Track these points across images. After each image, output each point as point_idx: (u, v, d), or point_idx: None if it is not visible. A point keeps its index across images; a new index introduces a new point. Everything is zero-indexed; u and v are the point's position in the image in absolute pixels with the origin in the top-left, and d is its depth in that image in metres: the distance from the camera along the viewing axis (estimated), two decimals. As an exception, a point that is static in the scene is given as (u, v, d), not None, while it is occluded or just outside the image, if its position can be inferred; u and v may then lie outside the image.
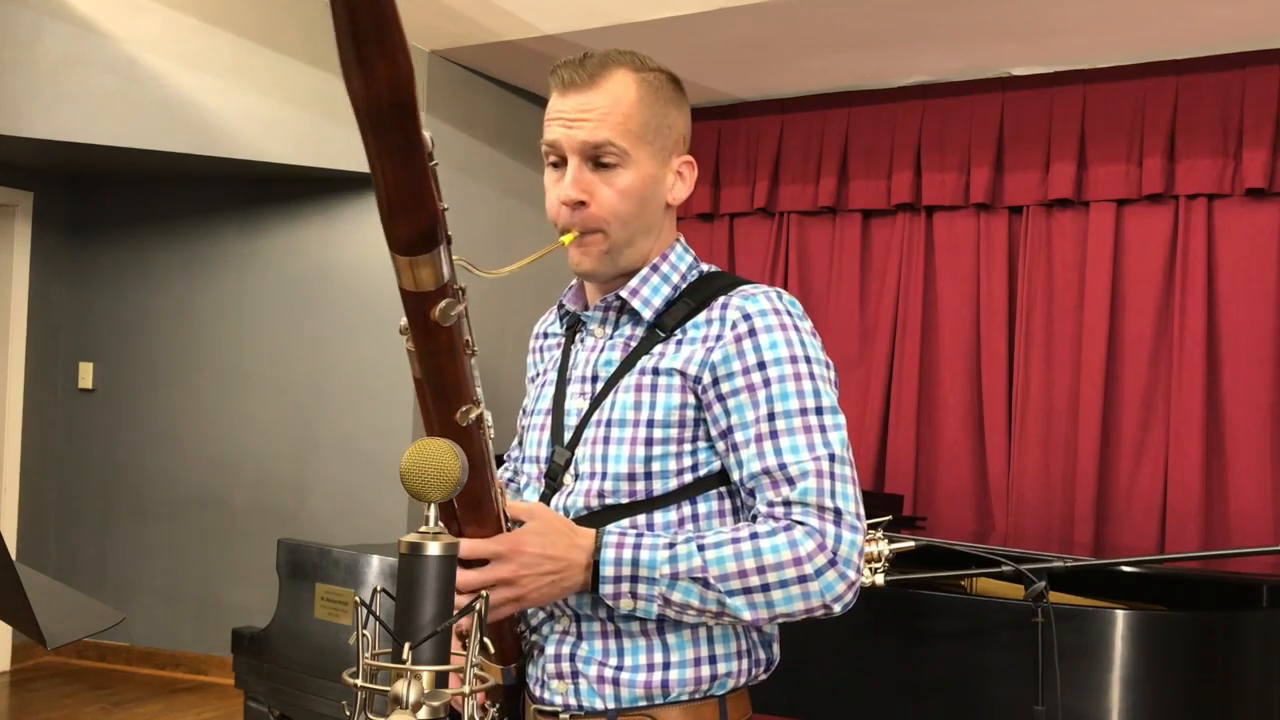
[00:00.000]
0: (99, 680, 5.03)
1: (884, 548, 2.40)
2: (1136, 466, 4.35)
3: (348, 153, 4.58)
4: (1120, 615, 2.53)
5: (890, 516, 2.51)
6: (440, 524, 1.06)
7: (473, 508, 1.24)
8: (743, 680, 1.38)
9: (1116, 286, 4.40)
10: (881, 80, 4.79)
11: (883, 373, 4.81)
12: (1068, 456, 4.46)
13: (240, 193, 5.00)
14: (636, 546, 1.27)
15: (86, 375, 5.37)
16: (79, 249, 5.39)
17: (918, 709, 2.66)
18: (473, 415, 1.18)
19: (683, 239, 1.48)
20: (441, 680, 1.02)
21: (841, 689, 2.74)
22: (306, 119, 4.46)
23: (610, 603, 1.28)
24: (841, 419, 1.32)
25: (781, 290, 1.37)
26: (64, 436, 5.41)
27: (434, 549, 1.02)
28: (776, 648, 1.43)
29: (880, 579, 2.38)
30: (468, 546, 1.26)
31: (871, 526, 2.43)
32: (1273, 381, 4.16)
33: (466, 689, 1.03)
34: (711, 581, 1.25)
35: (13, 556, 1.37)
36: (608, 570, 1.27)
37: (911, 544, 2.48)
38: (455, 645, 1.15)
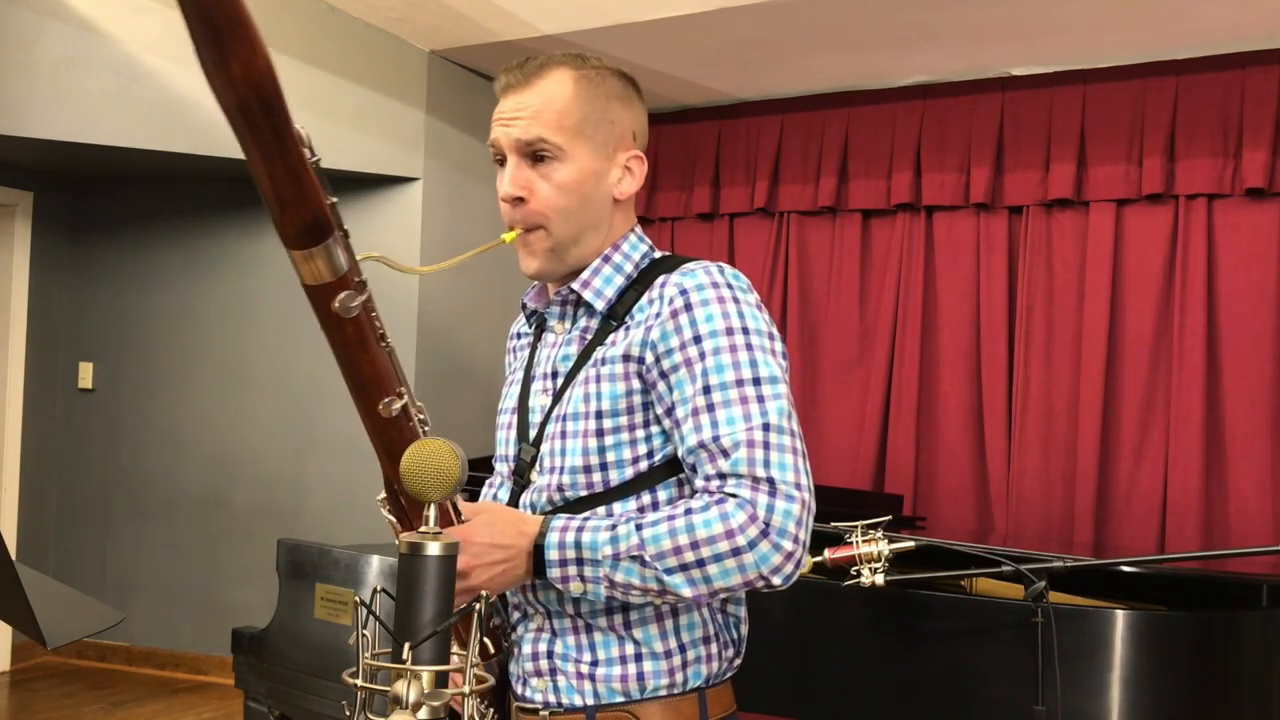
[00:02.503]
0: (99, 680, 5.03)
1: (884, 548, 2.40)
2: (1136, 466, 4.35)
3: (348, 153, 4.58)
4: (1120, 615, 2.53)
5: (890, 516, 2.51)
6: (439, 525, 1.06)
7: (420, 503, 1.25)
8: (715, 667, 1.38)
9: (1116, 286, 4.40)
10: (881, 80, 4.79)
11: (883, 373, 4.81)
12: (1068, 456, 4.46)
13: (240, 193, 4.99)
14: (580, 530, 1.28)
15: (86, 375, 5.37)
16: (79, 249, 5.39)
17: (918, 709, 2.66)
18: (395, 406, 1.18)
19: (638, 229, 1.47)
20: (442, 680, 1.02)
21: (841, 689, 2.73)
22: (306, 119, 4.43)
23: (560, 586, 1.29)
24: (783, 389, 1.30)
25: (725, 265, 1.37)
26: (64, 436, 5.41)
27: (434, 549, 1.02)
28: (744, 627, 1.44)
29: (880, 579, 2.37)
30: None
31: (871, 527, 2.43)
32: (1273, 381, 4.16)
33: (467, 689, 1.03)
34: (648, 560, 1.25)
35: (13, 556, 1.37)
36: (552, 554, 1.28)
37: (911, 544, 2.47)
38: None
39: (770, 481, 1.24)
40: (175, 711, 4.63)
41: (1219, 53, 4.20)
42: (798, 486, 1.25)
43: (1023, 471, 4.51)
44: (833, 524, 2.50)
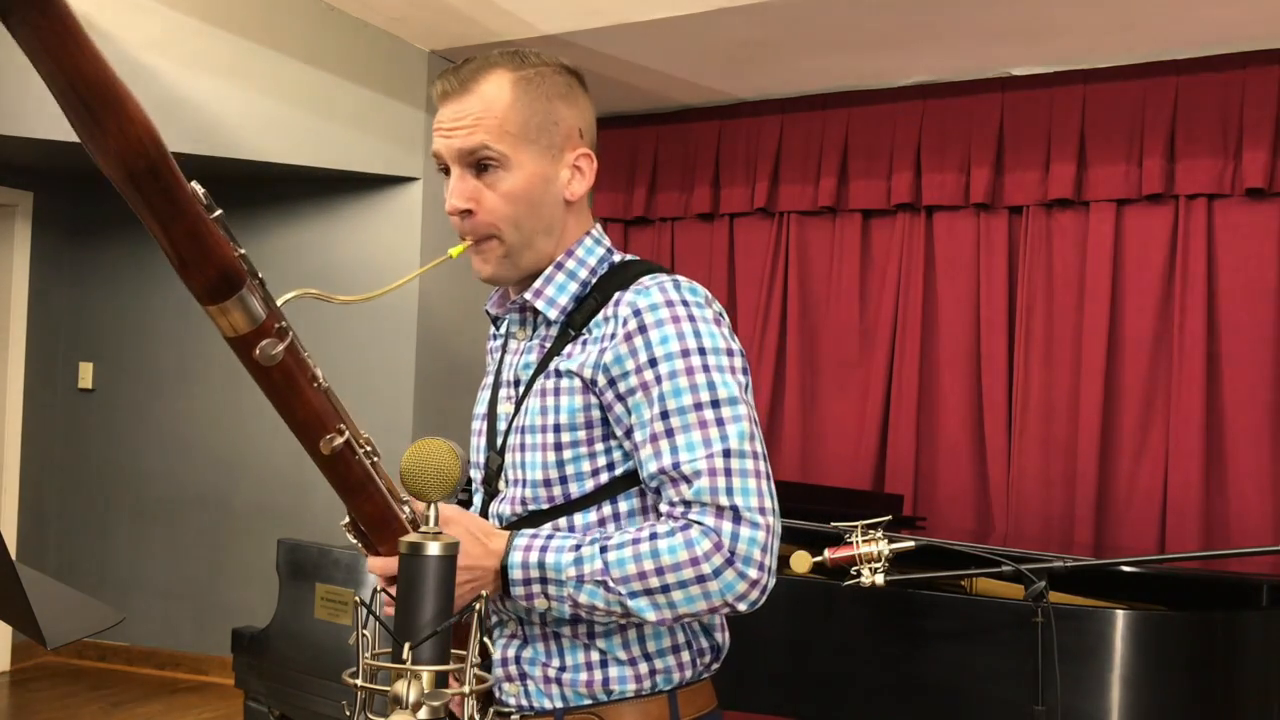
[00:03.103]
0: (99, 680, 5.03)
1: (884, 548, 2.40)
2: (1136, 466, 4.35)
3: (348, 153, 4.58)
4: (1120, 615, 2.53)
5: (890, 516, 2.51)
6: (439, 525, 1.06)
7: (378, 527, 1.24)
8: (689, 674, 1.37)
9: (1116, 286, 4.40)
10: (881, 80, 4.79)
11: (883, 373, 4.81)
12: (1068, 456, 4.46)
13: (240, 193, 5.00)
14: (544, 550, 1.27)
15: (86, 375, 5.37)
16: (79, 249, 5.39)
17: (917, 709, 2.66)
18: (336, 443, 1.16)
19: (596, 230, 1.44)
20: (441, 680, 1.02)
21: (841, 689, 2.73)
22: (306, 119, 4.46)
23: (524, 604, 1.29)
24: (742, 409, 1.28)
25: (680, 278, 1.34)
26: (64, 436, 5.41)
27: (434, 549, 1.02)
28: (722, 635, 1.41)
29: (880, 579, 2.37)
30: (379, 565, 1.27)
31: (871, 527, 2.43)
32: (1273, 381, 4.15)
33: (467, 689, 1.03)
34: (611, 584, 1.24)
35: (13, 556, 1.37)
36: (516, 574, 1.27)
37: (911, 544, 2.47)
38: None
39: (734, 509, 1.23)
40: (175, 711, 4.63)
41: (1219, 53, 4.20)
42: (761, 511, 1.24)
43: (1023, 471, 4.51)
44: (833, 524, 2.50)
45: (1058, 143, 4.47)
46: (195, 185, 0.99)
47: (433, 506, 1.06)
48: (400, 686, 1.00)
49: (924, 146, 4.73)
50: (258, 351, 1.08)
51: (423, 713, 0.99)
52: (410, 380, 4.71)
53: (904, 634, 2.70)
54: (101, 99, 0.86)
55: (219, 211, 1.03)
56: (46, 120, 4.10)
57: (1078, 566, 2.49)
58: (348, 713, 1.07)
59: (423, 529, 1.05)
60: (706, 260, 5.20)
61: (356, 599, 1.04)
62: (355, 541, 1.30)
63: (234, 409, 5.08)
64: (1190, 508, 4.20)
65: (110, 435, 5.33)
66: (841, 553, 2.40)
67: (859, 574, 2.39)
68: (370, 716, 1.04)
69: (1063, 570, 2.43)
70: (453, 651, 1.04)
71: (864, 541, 2.40)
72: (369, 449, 1.22)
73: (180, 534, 5.18)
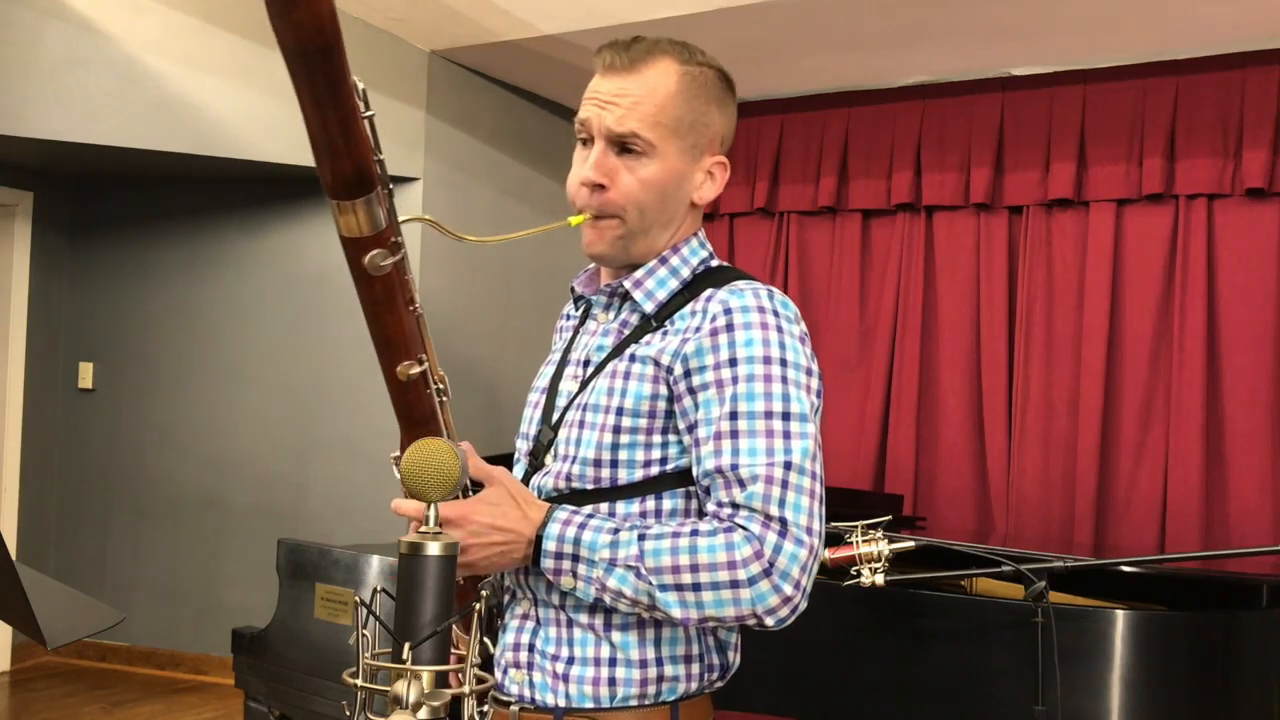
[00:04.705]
0: (99, 680, 5.03)
1: (884, 548, 2.40)
2: (1136, 466, 4.35)
3: (348, 153, 4.58)
4: (1120, 615, 2.53)
5: (890, 516, 2.51)
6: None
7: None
8: (694, 686, 1.35)
9: (1116, 286, 4.40)
10: (881, 80, 4.79)
11: (883, 373, 4.81)
12: (1068, 456, 4.46)
13: (240, 193, 4.99)
14: (582, 526, 1.27)
15: (86, 375, 5.37)
16: (79, 249, 5.39)
17: (918, 709, 2.66)
18: (414, 371, 1.18)
19: (701, 234, 1.44)
20: (442, 680, 1.02)
21: (841, 689, 2.73)
22: (306, 119, 4.45)
23: (551, 578, 1.28)
24: (810, 428, 1.27)
25: (775, 290, 1.34)
26: (64, 436, 5.41)
27: (434, 549, 1.02)
28: (733, 654, 1.40)
29: (880, 579, 2.37)
30: (415, 509, 1.26)
31: (871, 527, 2.43)
32: (1273, 381, 4.15)
33: (467, 689, 1.03)
34: (643, 572, 1.23)
35: (13, 556, 1.37)
36: (550, 545, 1.27)
37: (911, 544, 2.47)
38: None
39: (783, 521, 1.22)
40: (175, 711, 4.63)
41: (1219, 53, 4.20)
42: (809, 531, 1.23)
43: (1023, 471, 4.51)
44: (832, 524, 2.50)
45: (1058, 143, 4.47)
46: (357, 80, 1.00)
47: (432, 507, 1.06)
48: (400, 686, 1.00)
49: (924, 146, 4.73)
50: (368, 259, 1.08)
51: (423, 713, 0.99)
52: (410, 380, 4.70)
53: (904, 634, 2.70)
54: None
55: (372, 113, 1.03)
56: (46, 120, 4.11)
57: (1078, 566, 2.49)
58: (348, 713, 1.07)
59: (422, 529, 1.05)
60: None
61: (356, 599, 1.03)
62: (399, 476, 1.30)
63: (234, 409, 5.08)
64: (1190, 508, 4.20)
65: (110, 435, 5.33)
66: (841, 553, 2.40)
67: (859, 574, 2.39)
68: (370, 716, 1.04)
69: (1063, 570, 2.43)
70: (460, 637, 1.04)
71: (864, 541, 2.40)
72: (441, 387, 1.24)
73: (180, 534, 5.18)
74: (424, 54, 4.75)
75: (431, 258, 4.75)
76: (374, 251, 1.08)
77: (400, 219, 1.12)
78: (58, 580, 1.71)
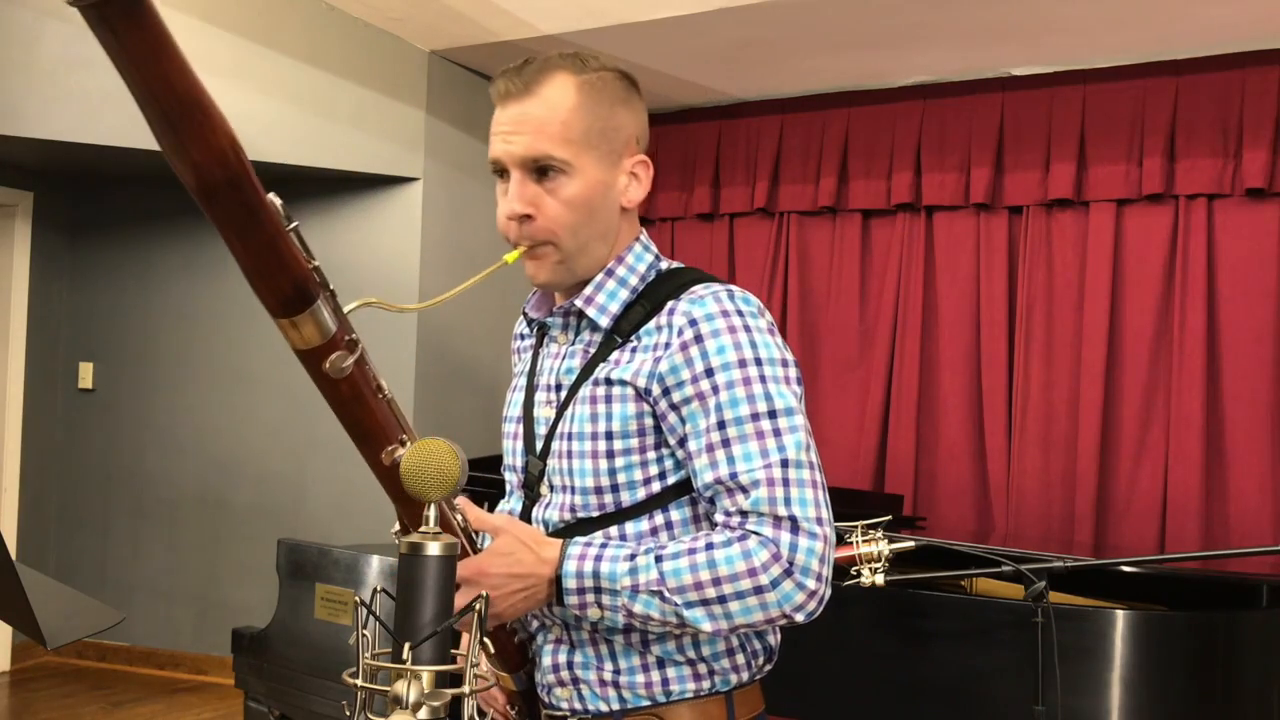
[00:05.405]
0: (99, 680, 5.03)
1: (884, 548, 2.40)
2: (1136, 466, 4.35)
3: (348, 153, 4.58)
4: (1120, 615, 2.53)
5: (890, 516, 2.51)
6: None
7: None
8: (745, 676, 1.37)
9: (1116, 286, 4.40)
10: (881, 80, 4.79)
11: (883, 373, 4.81)
12: (1068, 456, 4.46)
13: (240, 193, 4.99)
14: (598, 559, 1.26)
15: (86, 375, 5.37)
16: (79, 249, 5.39)
17: (918, 709, 2.66)
18: (399, 454, 1.17)
19: (643, 236, 1.43)
20: (443, 680, 1.02)
21: (841, 689, 2.74)
22: (306, 119, 4.46)
23: (578, 613, 1.28)
24: (799, 420, 1.27)
25: (734, 288, 1.33)
26: (64, 436, 5.41)
27: (434, 549, 1.02)
28: (774, 636, 1.41)
29: (880, 579, 2.37)
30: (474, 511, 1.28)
31: (871, 527, 2.43)
32: (1273, 381, 4.16)
33: (467, 689, 1.03)
34: (667, 594, 1.24)
35: (13, 556, 1.38)
36: (570, 583, 1.26)
37: (911, 544, 2.48)
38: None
39: (792, 519, 1.23)
40: (175, 711, 4.63)
41: (1219, 53, 4.20)
42: (819, 522, 1.24)
43: (1023, 471, 4.51)
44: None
45: (1058, 143, 4.47)
46: (273, 197, 0.98)
47: (432, 506, 1.06)
48: (400, 686, 1.00)
49: (924, 146, 4.73)
50: (328, 364, 1.08)
51: (423, 713, 0.99)
52: (410, 380, 4.71)
53: (904, 634, 2.70)
54: (186, 108, 0.86)
55: (295, 224, 1.02)
56: (46, 120, 4.10)
57: (1078, 566, 2.50)
58: (348, 713, 1.07)
59: (422, 529, 1.05)
60: (707, 260, 5.20)
61: (356, 599, 1.04)
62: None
63: (234, 409, 5.08)
64: (1190, 508, 4.20)
65: (110, 435, 5.33)
66: (841, 553, 2.40)
67: (859, 574, 2.39)
68: (370, 716, 1.04)
69: (1063, 570, 2.43)
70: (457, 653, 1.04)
71: (864, 541, 2.40)
72: None
73: (180, 534, 5.18)
74: (424, 54, 4.76)
75: (431, 258, 4.75)
76: (333, 356, 1.07)
77: (346, 309, 1.10)
78: (58, 580, 1.71)
